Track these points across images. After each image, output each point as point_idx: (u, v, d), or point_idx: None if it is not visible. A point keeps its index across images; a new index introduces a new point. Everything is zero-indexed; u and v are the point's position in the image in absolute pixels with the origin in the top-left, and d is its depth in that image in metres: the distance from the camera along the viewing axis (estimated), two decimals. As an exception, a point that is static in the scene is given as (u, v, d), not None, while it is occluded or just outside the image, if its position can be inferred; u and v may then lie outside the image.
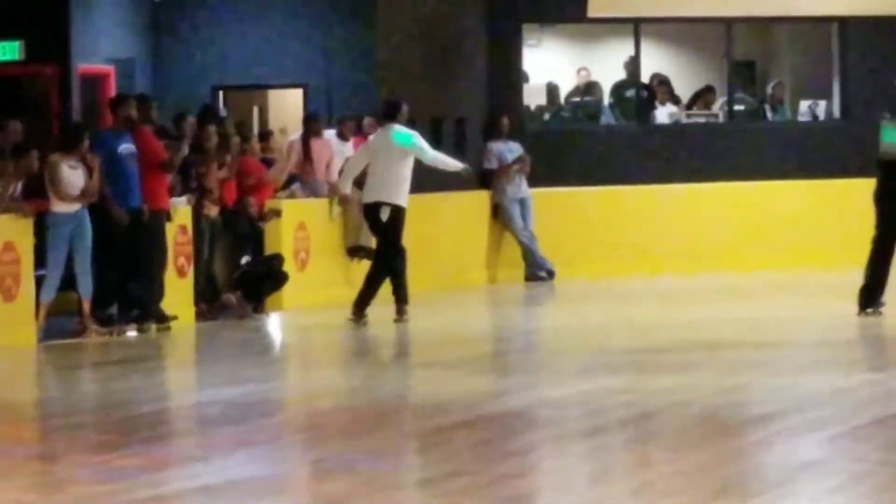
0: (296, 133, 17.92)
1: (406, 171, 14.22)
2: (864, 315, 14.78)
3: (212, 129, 16.08)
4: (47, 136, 16.66)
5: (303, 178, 17.78)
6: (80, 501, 7.76)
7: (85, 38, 18.13)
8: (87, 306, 14.73)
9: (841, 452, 8.65)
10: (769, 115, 22.17)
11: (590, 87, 20.93)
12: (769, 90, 21.75)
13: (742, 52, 21.87)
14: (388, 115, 14.48)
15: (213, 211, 16.64)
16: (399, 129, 13.86)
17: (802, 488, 7.60)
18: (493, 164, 19.49)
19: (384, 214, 13.89)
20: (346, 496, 7.58)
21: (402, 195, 14.23)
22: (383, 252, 14.47)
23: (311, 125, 17.46)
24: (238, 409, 11.38)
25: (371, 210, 14.09)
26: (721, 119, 21.22)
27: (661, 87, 20.82)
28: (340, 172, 17.21)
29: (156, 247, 15.33)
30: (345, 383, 13.56)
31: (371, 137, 14.87)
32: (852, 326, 16.06)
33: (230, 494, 7.93)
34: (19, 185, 15.05)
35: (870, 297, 14.79)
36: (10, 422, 11.22)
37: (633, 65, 20.57)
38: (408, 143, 13.84)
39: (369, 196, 14.14)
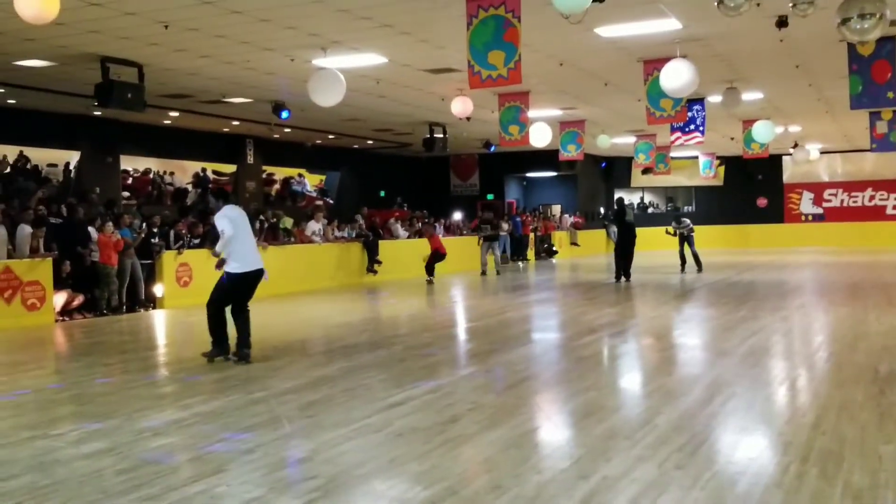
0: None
1: None
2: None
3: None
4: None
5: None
6: (492, 305, 11.98)
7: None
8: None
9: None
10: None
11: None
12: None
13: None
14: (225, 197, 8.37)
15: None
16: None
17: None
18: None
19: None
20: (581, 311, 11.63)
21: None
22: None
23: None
24: (542, 282, 15.89)
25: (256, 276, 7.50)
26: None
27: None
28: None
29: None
30: (586, 277, 17.09)
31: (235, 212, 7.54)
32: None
33: (542, 305, 11.89)
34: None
35: (619, 274, 15.08)
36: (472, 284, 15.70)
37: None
38: None
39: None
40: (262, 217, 15.70)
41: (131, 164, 19.06)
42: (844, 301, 11.39)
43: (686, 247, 17.12)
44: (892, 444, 4.34)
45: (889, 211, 28.60)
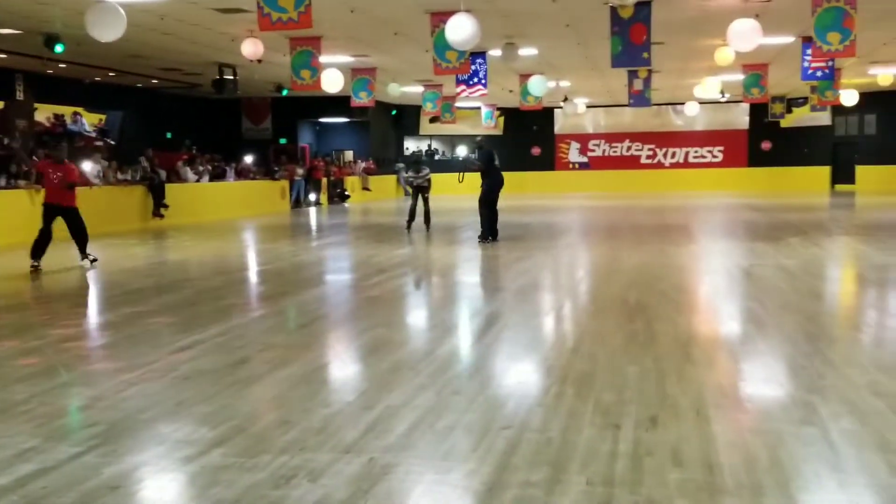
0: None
1: None
2: None
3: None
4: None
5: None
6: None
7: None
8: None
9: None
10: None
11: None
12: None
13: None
14: None
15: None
16: None
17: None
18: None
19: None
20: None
21: None
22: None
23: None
24: (334, 226, 15.45)
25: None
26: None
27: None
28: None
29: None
30: (376, 220, 17.62)
31: None
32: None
33: (334, 247, 13.99)
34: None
35: (486, 233, 11.95)
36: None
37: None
38: None
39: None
40: (34, 157, 14.30)
41: None
42: (603, 241, 12.20)
43: (419, 200, 13.83)
44: (637, 364, 4.67)
45: (643, 160, 31.34)
